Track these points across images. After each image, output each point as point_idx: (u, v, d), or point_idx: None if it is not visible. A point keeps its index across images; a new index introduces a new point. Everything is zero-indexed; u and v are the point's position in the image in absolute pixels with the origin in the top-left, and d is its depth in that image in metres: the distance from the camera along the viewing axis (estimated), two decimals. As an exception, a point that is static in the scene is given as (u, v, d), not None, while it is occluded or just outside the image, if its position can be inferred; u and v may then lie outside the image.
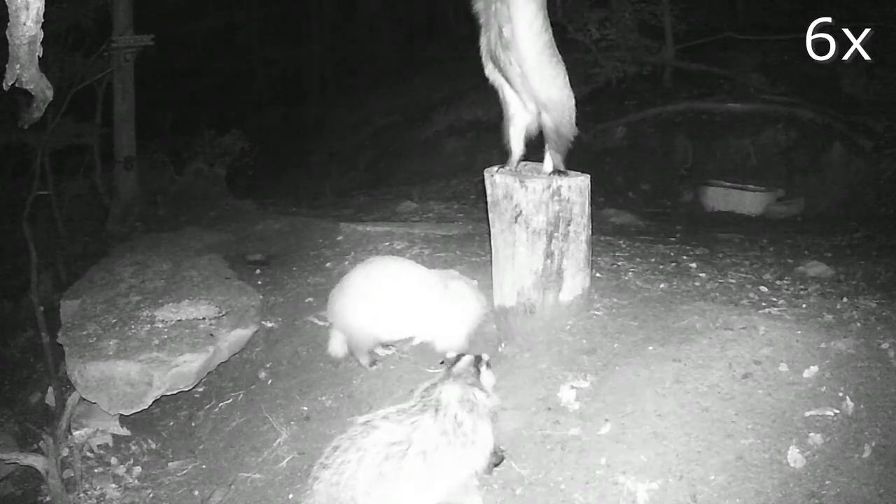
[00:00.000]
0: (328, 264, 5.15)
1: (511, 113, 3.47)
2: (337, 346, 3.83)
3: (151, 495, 3.63)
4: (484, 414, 2.63)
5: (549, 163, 3.50)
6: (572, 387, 3.15)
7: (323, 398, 3.69)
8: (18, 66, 2.77)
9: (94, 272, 5.34)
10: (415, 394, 2.70)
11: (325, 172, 11.97)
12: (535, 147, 3.59)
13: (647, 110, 9.13)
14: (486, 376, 2.78)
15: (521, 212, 3.43)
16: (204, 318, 4.31)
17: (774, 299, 3.95)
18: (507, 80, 3.33)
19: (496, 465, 2.80)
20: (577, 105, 3.43)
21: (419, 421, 2.51)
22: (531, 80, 3.24)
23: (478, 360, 2.80)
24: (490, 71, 3.39)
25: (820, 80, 8.46)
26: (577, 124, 3.45)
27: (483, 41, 3.33)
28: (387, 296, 3.52)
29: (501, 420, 3.08)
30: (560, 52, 3.30)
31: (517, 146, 3.54)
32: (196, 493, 3.53)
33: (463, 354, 2.84)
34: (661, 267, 4.63)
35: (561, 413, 3.04)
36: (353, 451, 2.44)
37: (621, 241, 5.31)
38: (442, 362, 2.87)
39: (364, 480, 2.39)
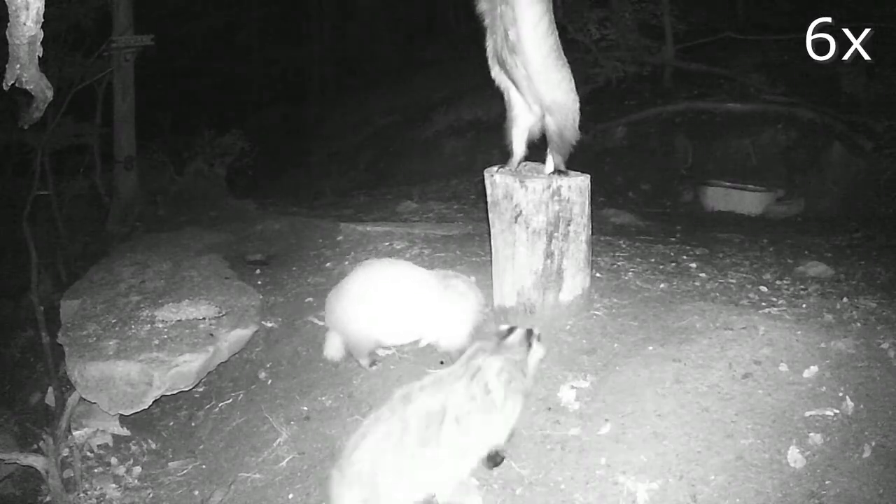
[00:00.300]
0: (328, 264, 5.15)
1: (515, 114, 3.47)
2: (333, 350, 3.82)
3: (151, 495, 3.63)
4: (517, 390, 2.72)
5: (550, 164, 3.51)
6: (572, 387, 3.16)
7: (323, 398, 3.69)
8: (18, 66, 2.77)
9: (94, 272, 5.34)
10: (460, 360, 2.80)
11: (325, 172, 11.97)
12: (535, 147, 3.60)
13: (647, 110, 9.13)
14: (537, 351, 2.88)
15: (521, 212, 3.43)
16: (204, 318, 4.31)
17: (774, 299, 3.96)
18: (513, 82, 3.33)
19: (497, 464, 2.81)
20: (578, 108, 3.43)
21: (452, 388, 2.63)
22: (536, 82, 3.24)
23: (529, 334, 2.88)
24: (496, 73, 3.39)
25: (820, 80, 8.46)
26: (579, 127, 3.45)
27: (489, 43, 3.33)
28: (386, 299, 3.52)
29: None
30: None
31: (519, 147, 3.54)
32: (196, 493, 3.53)
33: (515, 328, 2.91)
34: (661, 267, 4.63)
35: (561, 413, 3.04)
36: (396, 422, 2.55)
37: (621, 241, 5.31)
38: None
39: (409, 448, 2.51)
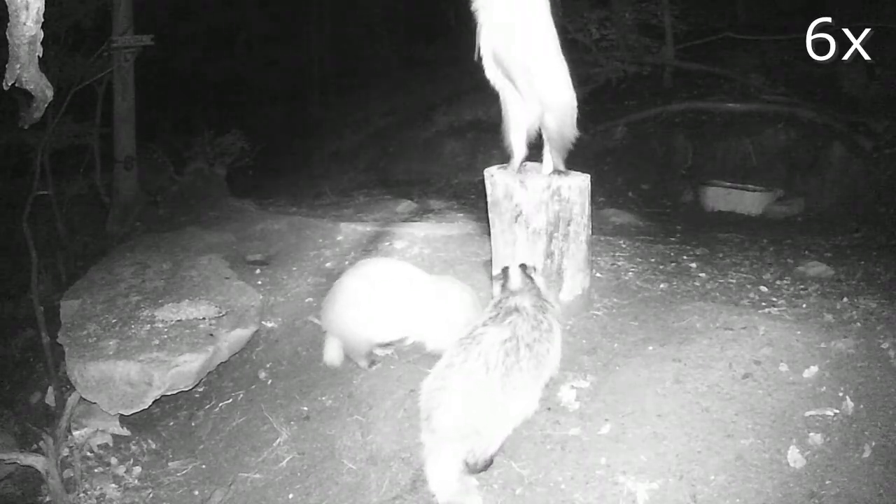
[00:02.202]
0: (328, 264, 5.15)
1: (512, 114, 3.43)
2: (333, 354, 3.82)
3: (151, 495, 3.63)
4: (557, 317, 2.90)
5: (549, 163, 3.50)
6: (572, 387, 3.16)
7: (323, 398, 3.69)
8: (18, 66, 2.77)
9: (94, 272, 5.34)
10: (489, 305, 2.92)
11: (325, 172, 11.95)
12: (535, 147, 3.59)
13: (647, 110, 9.11)
14: (540, 280, 3.03)
15: (521, 212, 3.43)
16: (204, 318, 4.31)
17: (774, 299, 3.96)
18: (511, 80, 3.29)
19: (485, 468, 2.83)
20: (577, 105, 3.42)
21: (513, 320, 2.76)
22: (535, 79, 3.22)
23: (524, 268, 3.01)
24: (491, 73, 3.34)
25: (820, 80, 8.45)
26: (577, 125, 3.44)
27: (484, 41, 3.28)
28: (378, 297, 3.52)
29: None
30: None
31: (519, 148, 3.51)
32: (196, 493, 3.54)
33: (507, 267, 3.03)
34: (661, 267, 4.63)
35: (561, 413, 3.04)
36: (474, 361, 2.64)
37: (621, 241, 5.30)
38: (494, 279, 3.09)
39: (496, 380, 2.62)
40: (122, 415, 4.05)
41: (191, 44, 15.39)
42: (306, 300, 4.65)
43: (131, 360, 3.84)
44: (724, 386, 2.94)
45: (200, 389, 4.31)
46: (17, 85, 2.88)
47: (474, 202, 7.34)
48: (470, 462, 2.73)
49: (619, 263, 4.65)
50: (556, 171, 3.46)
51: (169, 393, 3.89)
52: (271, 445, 3.53)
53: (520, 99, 3.35)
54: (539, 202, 3.39)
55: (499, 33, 3.18)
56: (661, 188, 8.31)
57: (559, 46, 3.26)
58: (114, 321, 4.36)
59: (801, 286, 4.22)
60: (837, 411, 2.77)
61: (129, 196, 8.28)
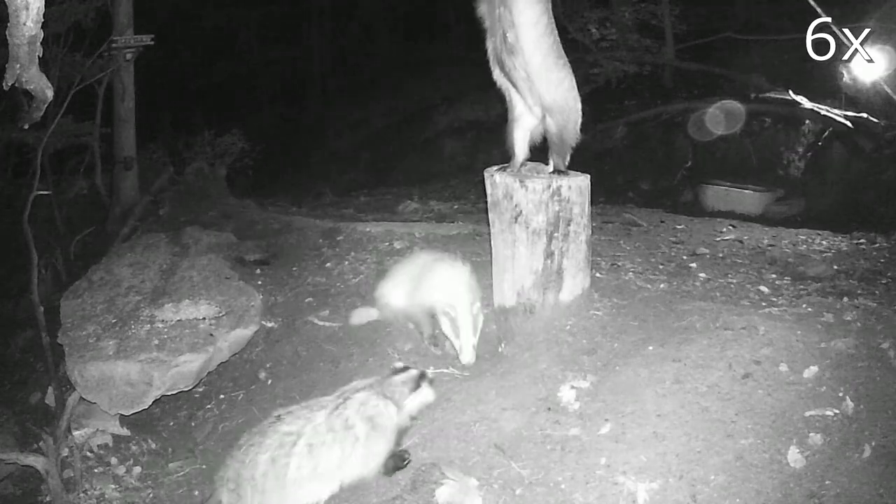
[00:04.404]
0: (328, 264, 5.15)
1: (516, 116, 3.47)
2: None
3: (151, 495, 3.63)
4: (384, 426, 2.86)
5: (551, 164, 3.51)
6: (572, 387, 3.16)
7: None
8: (18, 66, 2.76)
9: (94, 272, 5.33)
10: (337, 391, 3.01)
11: (324, 172, 11.96)
12: (537, 148, 3.60)
13: (647, 110, 9.13)
14: (424, 393, 3.02)
15: (521, 212, 3.43)
16: (204, 318, 4.31)
17: (774, 299, 3.96)
18: (513, 83, 3.32)
19: (396, 468, 2.94)
20: (580, 108, 3.42)
21: (313, 417, 2.85)
22: (536, 83, 3.23)
23: (420, 376, 3.03)
24: (497, 75, 3.38)
25: (820, 80, 8.45)
26: (580, 128, 3.44)
27: (489, 45, 3.32)
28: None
29: (501, 420, 3.08)
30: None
31: (520, 149, 3.53)
32: (196, 493, 3.54)
33: (409, 368, 3.07)
34: (661, 267, 4.63)
35: (561, 413, 3.04)
36: (258, 437, 2.83)
37: (621, 241, 5.30)
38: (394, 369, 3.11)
39: (262, 463, 2.76)
40: (122, 415, 4.05)
41: (191, 44, 15.40)
42: (306, 300, 4.65)
43: (131, 361, 3.84)
44: (724, 386, 2.93)
45: (200, 389, 4.30)
46: (17, 85, 2.88)
47: (474, 202, 7.34)
48: None
49: (620, 263, 4.65)
50: (557, 171, 3.47)
51: (169, 393, 3.89)
52: (271, 445, 3.53)
53: (523, 101, 3.37)
54: (539, 202, 3.39)
55: (500, 37, 3.20)
56: (661, 188, 8.32)
57: (562, 51, 3.27)
58: (114, 321, 4.36)
59: (801, 286, 4.22)
60: (837, 411, 2.77)
61: (129, 196, 8.27)
